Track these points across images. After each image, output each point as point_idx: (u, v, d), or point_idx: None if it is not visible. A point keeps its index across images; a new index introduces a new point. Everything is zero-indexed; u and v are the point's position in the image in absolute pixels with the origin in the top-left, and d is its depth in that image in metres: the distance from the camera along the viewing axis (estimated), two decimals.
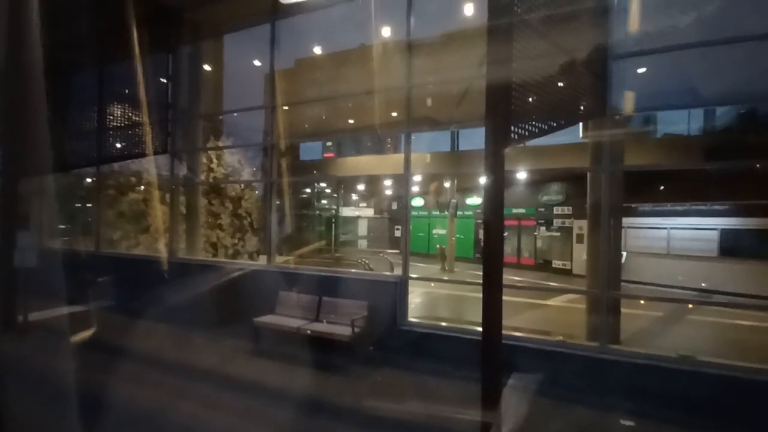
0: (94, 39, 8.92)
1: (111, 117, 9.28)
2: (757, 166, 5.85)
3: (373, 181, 23.08)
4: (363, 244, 24.75)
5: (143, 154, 8.92)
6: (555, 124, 4.36)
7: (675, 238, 13.48)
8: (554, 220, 16.57)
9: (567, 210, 16.18)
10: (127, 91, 9.00)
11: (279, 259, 7.99)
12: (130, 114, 9.09)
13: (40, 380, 4.97)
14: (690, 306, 9.71)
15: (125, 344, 5.83)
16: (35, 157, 8.05)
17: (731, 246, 12.35)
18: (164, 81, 8.72)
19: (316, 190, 24.47)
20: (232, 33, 9.15)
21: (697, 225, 13.12)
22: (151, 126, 8.55)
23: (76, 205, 12.43)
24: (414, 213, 20.91)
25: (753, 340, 7.41)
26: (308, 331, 5.91)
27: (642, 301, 8.98)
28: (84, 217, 11.82)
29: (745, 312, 8.75)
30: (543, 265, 16.65)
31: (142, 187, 11.56)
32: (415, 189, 19.87)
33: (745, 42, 4.56)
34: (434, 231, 21.02)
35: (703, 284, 11.96)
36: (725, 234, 12.56)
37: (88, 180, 11.52)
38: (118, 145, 9.37)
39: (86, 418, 3.84)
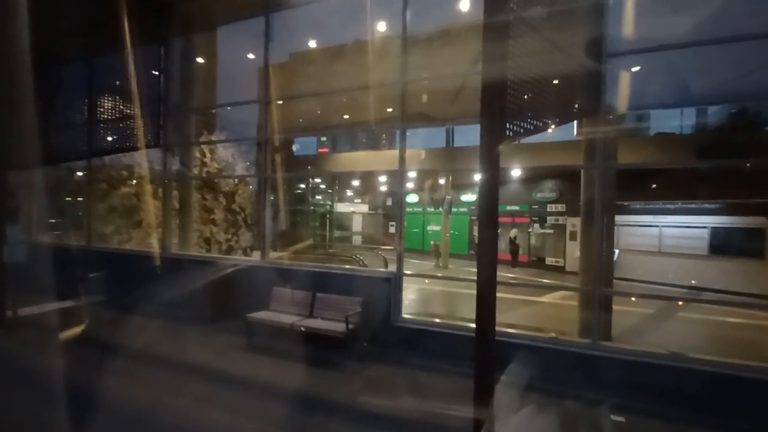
0: (85, 30, 8.76)
1: (102, 110, 9.14)
2: (747, 165, 5.93)
3: (368, 177, 23.00)
4: (357, 240, 24.72)
5: (135, 148, 8.80)
6: (550, 122, 4.37)
7: (666, 235, 13.62)
8: (548, 218, 16.67)
9: (561, 207, 16.28)
10: (118, 83, 8.86)
11: (273, 255, 7.96)
12: (121, 107, 8.96)
13: (29, 377, 4.91)
14: (680, 303, 9.83)
15: (116, 340, 5.78)
16: (25, 150, 7.92)
17: (721, 244, 12.51)
18: (156, 74, 8.60)
19: (310, 185, 24.34)
20: (225, 25, 9.03)
21: (688, 223, 13.27)
22: (143, 119, 8.44)
23: (67, 199, 12.27)
24: (408, 209, 20.91)
25: (741, 337, 7.54)
26: (302, 328, 5.90)
27: (633, 298, 9.08)
28: (75, 211, 11.68)
29: (733, 309, 8.88)
30: (536, 262, 16.76)
31: (134, 181, 11.42)
32: (409, 185, 19.85)
33: (737, 42, 4.60)
34: (429, 227, 21.05)
35: (693, 281, 12.12)
36: (715, 232, 12.71)
37: (79, 173, 11.36)
38: (110, 139, 9.24)
39: (75, 415, 3.80)
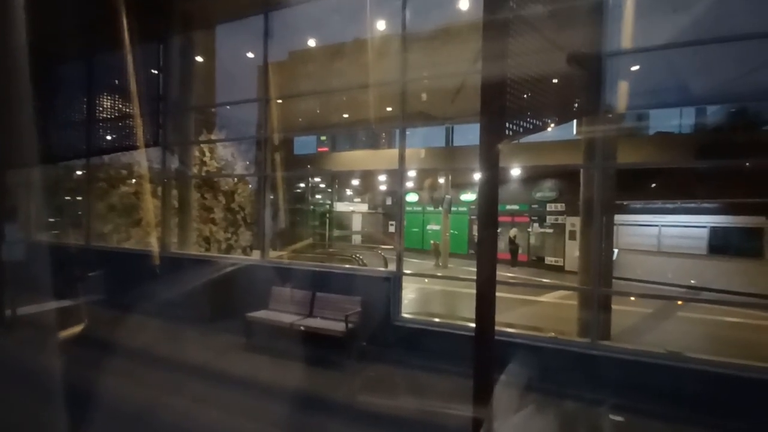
0: (84, 29, 8.74)
1: (101, 108, 9.13)
2: (747, 164, 5.94)
3: (368, 177, 22.99)
4: (357, 239, 24.71)
5: (134, 147, 8.78)
6: (549, 121, 4.37)
7: (665, 235, 13.63)
8: (547, 217, 16.67)
9: (560, 207, 16.28)
10: (117, 82, 8.85)
11: (272, 254, 7.95)
12: (120, 106, 8.94)
13: (28, 376, 4.90)
14: (679, 303, 9.84)
15: (115, 339, 5.78)
16: (24, 148, 7.90)
17: (720, 244, 12.52)
18: (155, 72, 8.58)
19: (310, 184, 24.33)
20: (224, 24, 9.02)
21: (687, 223, 13.28)
22: (142, 118, 8.42)
23: (66, 197, 12.25)
24: (408, 208, 20.89)
25: (740, 337, 7.54)
26: (301, 327, 5.90)
27: (632, 298, 9.10)
28: (74, 210, 11.65)
29: (732, 309, 8.89)
30: (536, 262, 16.76)
31: (134, 180, 11.41)
32: (409, 184, 19.83)
33: (737, 41, 4.60)
34: (428, 227, 21.04)
35: (692, 281, 12.13)
36: (714, 232, 12.72)
37: (78, 172, 11.34)
38: (109, 137, 9.22)
39: (74, 414, 3.80)
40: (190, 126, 9.04)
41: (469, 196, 19.00)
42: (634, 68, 5.33)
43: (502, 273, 13.29)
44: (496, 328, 3.18)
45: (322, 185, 25.55)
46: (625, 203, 14.20)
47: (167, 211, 8.71)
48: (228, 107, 9.96)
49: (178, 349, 5.93)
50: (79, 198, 11.24)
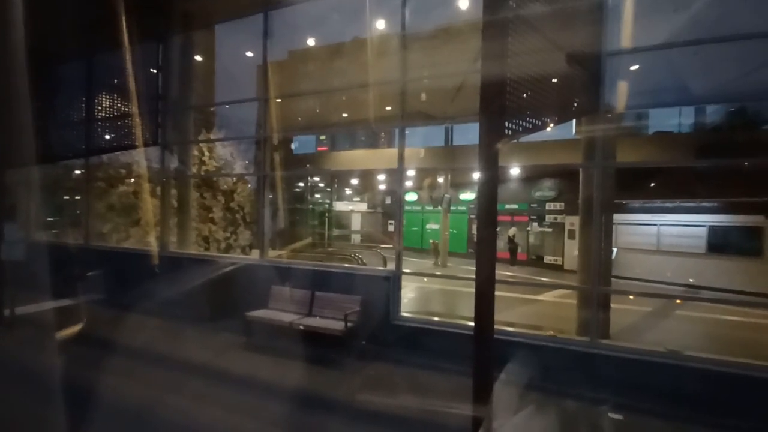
0: (83, 28, 8.72)
1: (100, 108, 9.11)
2: (746, 164, 5.94)
3: (367, 176, 22.98)
4: (356, 238, 24.71)
5: (133, 146, 8.77)
6: (549, 120, 4.37)
7: (664, 234, 13.64)
8: (546, 216, 16.68)
9: (559, 206, 16.28)
10: (116, 81, 8.83)
11: (272, 254, 7.95)
12: (119, 105, 8.93)
13: (27, 375, 4.90)
14: (678, 301, 9.86)
15: (115, 339, 5.77)
16: (23, 148, 7.89)
17: (719, 243, 12.54)
18: (154, 71, 8.57)
19: (309, 184, 24.31)
20: (223, 23, 9.00)
21: (686, 222, 13.29)
22: (141, 117, 8.41)
23: (65, 197, 12.24)
24: (407, 208, 20.89)
25: (739, 336, 7.56)
26: (301, 326, 5.90)
27: (632, 297, 9.11)
28: (73, 209, 11.64)
29: (731, 307, 8.91)
30: (535, 261, 16.78)
31: (133, 179, 11.40)
32: (408, 184, 19.83)
33: (736, 41, 4.60)
34: (428, 226, 21.05)
35: (691, 280, 12.15)
36: (713, 231, 12.74)
37: (77, 172, 11.32)
38: (108, 137, 9.21)
39: (73, 413, 3.80)
40: (189, 125, 9.02)
41: (468, 196, 19.01)
42: (634, 68, 5.33)
43: (502, 272, 13.30)
44: (496, 326, 3.18)
45: (322, 184, 25.54)
46: (624, 202, 14.20)
47: (166, 211, 8.71)
48: (227, 106, 9.95)
49: (177, 347, 5.93)
50: (79, 197, 11.22)
